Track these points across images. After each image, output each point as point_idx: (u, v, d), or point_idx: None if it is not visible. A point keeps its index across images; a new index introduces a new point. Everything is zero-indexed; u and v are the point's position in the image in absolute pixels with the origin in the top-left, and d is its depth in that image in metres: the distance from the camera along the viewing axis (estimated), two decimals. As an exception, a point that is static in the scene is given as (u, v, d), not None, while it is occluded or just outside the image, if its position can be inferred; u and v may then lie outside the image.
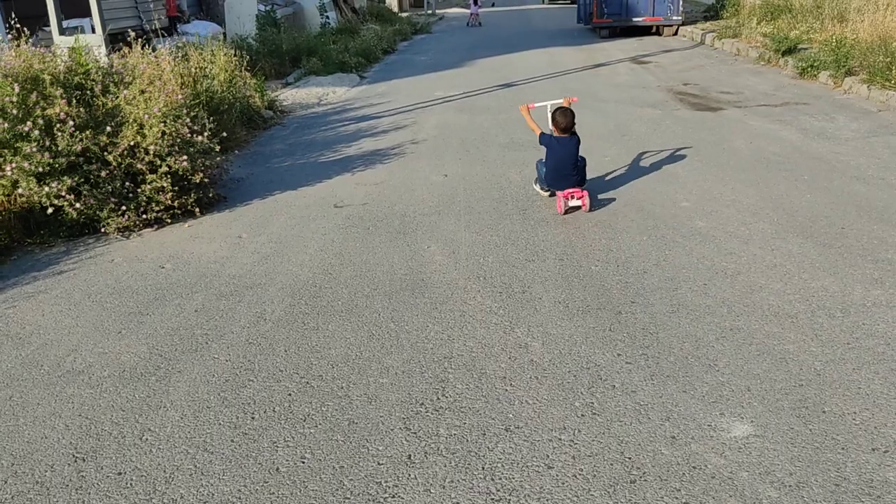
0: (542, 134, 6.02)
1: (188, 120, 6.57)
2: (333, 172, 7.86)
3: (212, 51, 9.87)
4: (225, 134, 7.62)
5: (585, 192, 5.96)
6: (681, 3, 18.87)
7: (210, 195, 6.79)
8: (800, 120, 9.11)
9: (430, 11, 30.22)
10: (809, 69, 11.75)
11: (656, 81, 12.53)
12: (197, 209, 6.61)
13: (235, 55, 10.15)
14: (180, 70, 8.68)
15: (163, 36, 16.31)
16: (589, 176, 6.61)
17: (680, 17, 18.95)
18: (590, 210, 5.94)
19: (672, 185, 6.71)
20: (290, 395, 3.63)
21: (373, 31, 18.81)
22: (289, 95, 12.51)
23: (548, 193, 6.34)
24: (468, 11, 27.76)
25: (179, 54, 9.33)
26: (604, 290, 4.63)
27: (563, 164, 5.88)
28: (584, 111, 10.03)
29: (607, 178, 7.02)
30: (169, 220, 6.47)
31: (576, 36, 20.63)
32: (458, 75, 14.34)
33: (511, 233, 5.75)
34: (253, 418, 3.44)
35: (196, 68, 8.91)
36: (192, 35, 17.15)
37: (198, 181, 6.58)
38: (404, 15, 27.78)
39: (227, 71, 9.81)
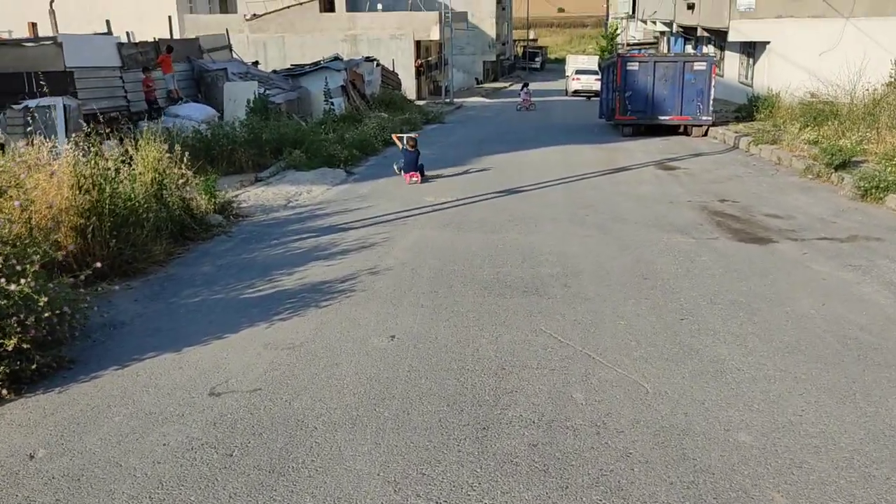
0: (403, 148, 11.48)
1: (-1, 259, 4.23)
2: (247, 320, 5.50)
3: (138, 144, 7.70)
4: (98, 266, 5.29)
5: (417, 174, 11.26)
6: (711, 102, 16.71)
7: (34, 366, 4.39)
8: (879, 266, 6.62)
9: (447, 100, 28.48)
10: (874, 191, 9.33)
11: (686, 194, 10.19)
12: (3, 390, 4.21)
13: (171, 150, 7.94)
14: (78, 171, 6.46)
15: (144, 119, 14.47)
16: (595, 362, 4.18)
17: (710, 118, 16.78)
18: (421, 182, 11.21)
19: (719, 389, 4.21)
20: None
21: (377, 120, 16.85)
22: (253, 195, 10.35)
23: (400, 174, 11.42)
24: (487, 102, 26.45)
25: (97, 150, 7.11)
26: None
27: (409, 163, 11.25)
28: (598, 235, 7.72)
29: (619, 367, 4.52)
30: (-47, 409, 4.07)
31: (596, 132, 18.54)
32: (457, 175, 12.14)
33: (453, 487, 3.26)
34: None
35: (102, 168, 6.68)
36: (182, 118, 15.32)
37: (10, 349, 4.20)
38: (420, 103, 26.04)
39: (156, 170, 7.60)
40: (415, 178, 11.27)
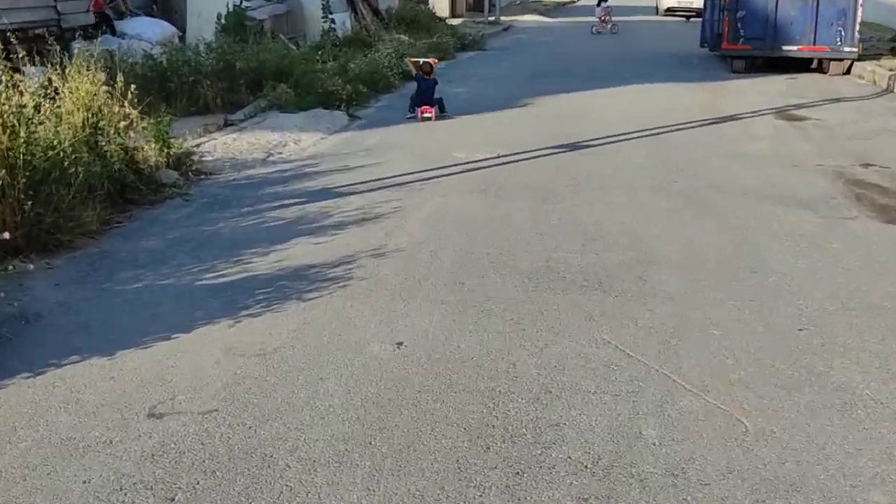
0: (417, 75, 12.63)
1: None
2: (204, 315, 5.58)
3: (67, 73, 7.78)
4: (7, 237, 5.37)
5: (432, 109, 12.27)
6: (856, 27, 16.36)
7: None
8: None
9: (491, 19, 28.34)
10: None
11: (816, 155, 10.10)
12: None
13: (111, 83, 8.02)
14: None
15: (79, 38, 14.58)
16: (675, 386, 4.29)
17: (855, 49, 16.46)
18: (436, 119, 12.25)
19: (846, 429, 4.18)
20: None
21: (394, 45, 16.92)
22: (221, 144, 10.45)
23: (413, 114, 12.36)
24: (546, 21, 26.26)
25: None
26: None
27: (424, 94, 12.36)
28: (688, 209, 7.81)
29: (709, 394, 4.47)
30: None
31: (696, 66, 18.39)
32: (500, 123, 12.14)
33: (470, 554, 3.25)
34: None
35: (15, 105, 6.74)
36: (131, 38, 15.45)
37: None
38: (455, 22, 25.98)
39: (89, 108, 7.67)
40: (427, 114, 12.21)
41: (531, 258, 6.60)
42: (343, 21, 18.69)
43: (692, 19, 30.45)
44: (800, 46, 16.70)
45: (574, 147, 10.52)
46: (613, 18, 26.80)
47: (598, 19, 26.42)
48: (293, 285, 6.09)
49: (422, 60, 12.96)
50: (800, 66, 17.13)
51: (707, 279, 6.14)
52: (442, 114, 12.37)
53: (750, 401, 4.43)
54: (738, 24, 16.92)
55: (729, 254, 6.69)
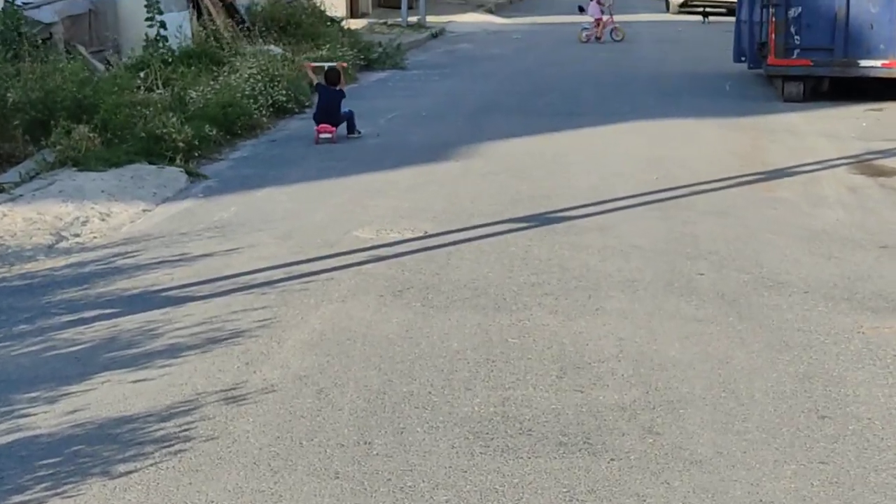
0: (318, 84, 15.60)
1: None
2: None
3: None
4: None
5: (334, 129, 14.57)
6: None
7: None
8: None
9: (413, 20, 28.76)
10: None
11: (919, 231, 10.29)
12: None
13: None
14: None
15: None
16: None
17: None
18: (336, 142, 14.66)
19: None
20: None
21: (262, 61, 17.02)
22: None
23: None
24: (499, 24, 26.79)
25: None
26: None
27: (326, 107, 14.81)
28: (723, 319, 7.99)
29: None
30: None
31: (729, 92, 19.04)
32: (427, 184, 12.30)
33: None
34: None
35: None
36: None
37: None
38: (357, 25, 26.30)
39: None
40: (326, 134, 14.43)
41: (478, 401, 6.60)
42: (180, 25, 18.71)
43: (710, 19, 31.37)
44: (885, 61, 17.15)
45: (542, 221, 10.61)
46: (615, 18, 27.56)
47: (594, 20, 27.02)
48: (97, 452, 6.00)
49: (326, 65, 15.49)
50: (885, 90, 17.60)
51: (754, 431, 6.17)
52: (350, 135, 14.55)
53: None
54: (792, 29, 17.35)
55: (787, 389, 6.75)
